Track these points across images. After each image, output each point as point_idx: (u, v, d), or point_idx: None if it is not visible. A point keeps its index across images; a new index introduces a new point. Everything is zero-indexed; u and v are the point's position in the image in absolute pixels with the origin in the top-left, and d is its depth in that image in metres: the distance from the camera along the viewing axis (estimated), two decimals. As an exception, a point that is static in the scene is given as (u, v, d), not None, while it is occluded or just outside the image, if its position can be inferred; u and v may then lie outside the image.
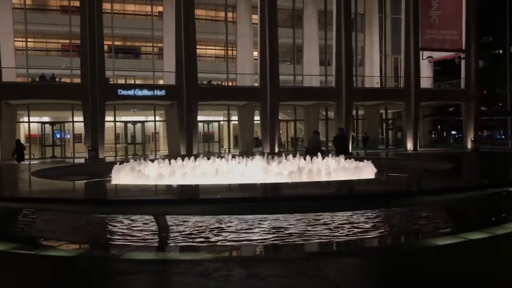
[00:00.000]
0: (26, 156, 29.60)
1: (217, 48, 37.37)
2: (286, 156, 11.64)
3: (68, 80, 30.04)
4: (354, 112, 34.13)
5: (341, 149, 15.64)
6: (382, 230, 7.01)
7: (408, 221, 7.69)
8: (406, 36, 32.76)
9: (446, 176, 9.70)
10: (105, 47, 28.17)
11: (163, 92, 28.27)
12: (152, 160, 10.95)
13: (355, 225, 7.12)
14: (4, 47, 25.67)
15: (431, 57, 35.83)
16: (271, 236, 6.51)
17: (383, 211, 7.99)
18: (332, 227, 6.94)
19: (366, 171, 9.66)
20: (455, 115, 40.74)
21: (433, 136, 40.28)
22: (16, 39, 28.78)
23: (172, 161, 10.82)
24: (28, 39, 29.81)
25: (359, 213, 7.73)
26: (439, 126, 43.33)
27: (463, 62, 34.46)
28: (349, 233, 6.65)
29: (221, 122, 35.84)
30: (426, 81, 35.36)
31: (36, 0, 33.82)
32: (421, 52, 33.50)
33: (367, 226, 7.14)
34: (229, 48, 33.75)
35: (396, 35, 35.76)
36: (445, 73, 38.86)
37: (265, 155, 12.06)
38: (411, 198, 7.21)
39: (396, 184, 8.79)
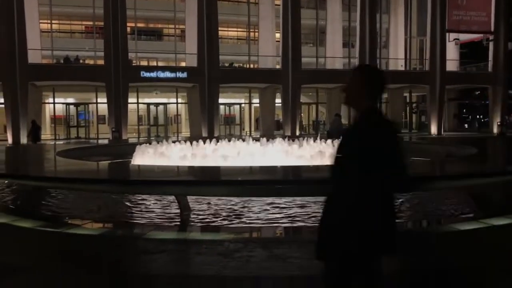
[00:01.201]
0: (51, 137, 30.38)
1: (239, 30, 37.12)
2: (307, 139, 11.59)
3: (91, 62, 30.33)
4: (377, 95, 33.58)
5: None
6: (403, 215, 6.95)
7: (430, 205, 7.62)
8: (432, 18, 31.93)
9: (470, 161, 9.54)
10: (128, 29, 28.25)
11: (185, 74, 28.32)
12: (174, 142, 11.05)
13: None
14: (29, 29, 25.99)
15: (457, 39, 34.91)
16: (291, 218, 6.53)
17: (405, 195, 7.91)
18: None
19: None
20: (481, 98, 39.76)
21: (459, 119, 39.42)
22: (41, 21, 29.12)
23: (194, 143, 10.90)
24: (53, 21, 30.11)
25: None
26: (464, 110, 42.38)
27: (491, 44, 33.47)
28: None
29: (242, 105, 35.79)
30: (452, 64, 34.53)
31: (60, -18, 34.06)
32: (447, 34, 32.65)
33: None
34: (251, 30, 33.48)
35: (422, 17, 34.85)
36: (472, 55, 37.82)
37: (286, 138, 12.05)
38: (433, 183, 7.12)
39: (418, 168, 8.67)
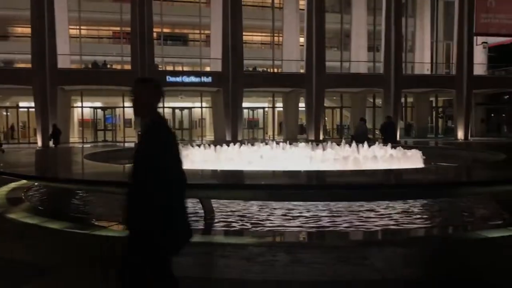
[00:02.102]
0: (79, 140, 31.02)
1: (263, 34, 37.25)
2: (331, 143, 11.55)
3: (118, 67, 30.88)
4: (402, 100, 33.24)
5: (389, 138, 15.34)
6: (430, 220, 6.86)
7: (457, 211, 7.50)
8: (460, 21, 31.40)
9: (497, 167, 9.34)
10: (154, 34, 28.70)
11: (209, 79, 28.56)
12: (199, 145, 11.16)
13: (402, 214, 7.00)
14: (59, 34, 26.65)
15: (486, 42, 34.25)
16: (315, 223, 6.52)
17: (431, 201, 7.81)
18: (376, 216, 6.86)
19: (414, 160, 9.46)
20: (510, 103, 38.83)
21: (486, 124, 38.55)
22: (70, 27, 29.84)
23: (218, 146, 10.99)
24: (82, 27, 30.82)
25: (406, 203, 7.60)
26: (492, 115, 41.43)
27: (521, 47, 32.77)
28: (396, 222, 6.55)
29: (266, 109, 35.86)
30: (479, 68, 33.86)
31: (89, -12, 34.87)
32: (475, 37, 32.07)
33: (415, 215, 7.01)
34: (275, 34, 33.58)
35: (449, 20, 34.34)
36: (501, 59, 36.98)
37: (310, 142, 12.02)
38: (460, 188, 7.01)
39: (445, 173, 8.55)
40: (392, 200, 7.43)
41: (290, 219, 6.67)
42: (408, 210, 7.26)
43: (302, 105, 31.40)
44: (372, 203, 7.40)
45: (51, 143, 22.91)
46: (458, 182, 7.22)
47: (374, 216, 6.87)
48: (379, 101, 33.13)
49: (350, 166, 8.61)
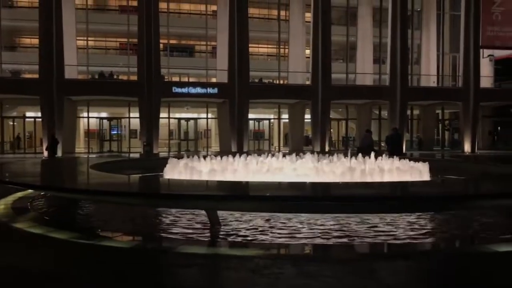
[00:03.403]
0: (85, 150, 31.12)
1: (269, 46, 37.43)
2: (337, 155, 11.50)
3: (125, 78, 31.06)
4: (408, 112, 33.19)
5: (394, 149, 15.27)
6: (439, 234, 6.78)
7: (466, 225, 7.40)
8: (466, 34, 31.43)
9: (506, 180, 9.25)
10: (161, 46, 28.89)
11: (215, 90, 28.65)
12: (205, 157, 11.15)
13: (410, 227, 6.92)
14: (67, 45, 26.87)
15: (492, 55, 34.21)
16: (321, 235, 6.45)
17: (439, 214, 7.72)
18: (382, 229, 6.78)
19: (421, 172, 9.39)
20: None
21: (494, 137, 38.35)
22: (78, 38, 30.11)
23: (224, 158, 10.97)
24: (89, 38, 31.09)
25: (413, 216, 7.52)
26: (499, 128, 41.20)
27: (527, 60, 32.68)
28: (403, 235, 6.47)
29: (272, 120, 35.90)
30: (486, 81, 33.78)
31: (97, 0, 35.22)
32: (481, 50, 32.05)
33: (424, 229, 6.92)
34: (281, 46, 33.73)
35: (455, 33, 34.37)
36: (507, 72, 36.88)
37: (315, 153, 11.98)
38: (468, 202, 6.93)
39: (452, 186, 8.47)
40: (399, 212, 7.35)
41: (296, 231, 6.61)
42: (415, 223, 7.17)
43: (307, 116, 31.40)
44: (379, 215, 7.32)
45: (45, 154, 22.95)
46: (467, 195, 7.14)
47: (380, 228, 6.79)
48: (384, 113, 33.07)
49: (356, 178, 8.55)
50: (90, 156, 25.38)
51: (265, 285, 4.35)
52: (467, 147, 31.42)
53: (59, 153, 25.33)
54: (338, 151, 15.05)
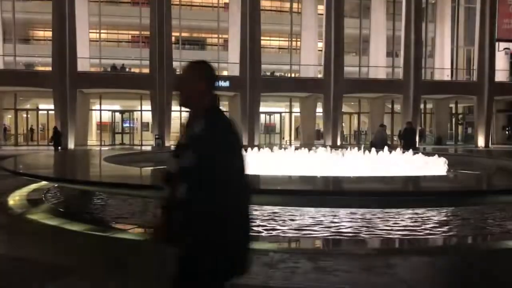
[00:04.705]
0: (97, 143, 31.31)
1: (281, 39, 37.22)
2: (351, 149, 11.40)
3: (137, 70, 31.13)
4: (422, 106, 32.85)
5: (408, 144, 15.11)
6: (455, 229, 6.68)
7: (480, 220, 7.29)
8: (481, 27, 30.93)
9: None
10: (173, 38, 28.85)
11: (227, 83, 28.57)
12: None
13: (425, 222, 6.84)
14: (79, 38, 26.96)
15: (508, 48, 33.63)
16: (335, 230, 6.39)
17: (455, 209, 7.62)
18: (398, 224, 6.71)
19: (436, 167, 9.27)
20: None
21: (507, 132, 37.85)
22: (90, 30, 30.20)
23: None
24: (102, 31, 31.17)
25: (428, 211, 7.43)
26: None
27: (544, 53, 32.13)
28: (420, 231, 6.39)
29: (283, 114, 35.76)
30: (501, 74, 33.29)
31: (109, -7, 35.28)
32: (497, 43, 31.56)
33: (440, 224, 6.84)
34: (293, 39, 33.52)
35: (470, 26, 33.87)
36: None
37: (328, 147, 11.89)
38: (484, 197, 6.83)
39: (468, 181, 8.36)
40: (413, 207, 7.26)
41: (313, 225, 6.56)
42: (431, 218, 7.08)
43: (319, 110, 31.23)
44: (393, 210, 7.24)
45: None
46: (483, 190, 7.03)
47: (397, 223, 6.71)
48: (397, 107, 32.78)
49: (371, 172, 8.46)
50: (102, 148, 25.53)
51: (281, 279, 4.31)
52: (480, 142, 31.04)
53: (71, 146, 25.53)
54: (350, 146, 14.94)
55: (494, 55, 31.27)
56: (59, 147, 22.16)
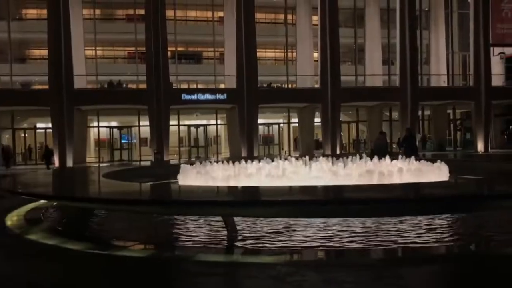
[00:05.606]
0: (96, 159, 31.15)
1: (277, 50, 37.33)
2: (351, 158, 11.29)
3: (134, 86, 31.13)
4: (419, 113, 32.85)
5: (409, 151, 15.01)
6: (463, 236, 6.56)
7: (486, 226, 7.16)
8: (475, 32, 31.09)
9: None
10: (169, 53, 28.90)
11: (224, 96, 28.59)
12: (217, 162, 11.01)
13: (429, 230, 6.71)
14: (75, 55, 26.99)
15: (503, 53, 33.76)
16: (338, 240, 6.26)
17: (461, 215, 7.49)
18: (402, 232, 6.58)
19: (439, 173, 9.17)
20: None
21: (505, 136, 37.81)
22: (86, 47, 30.24)
23: (236, 163, 10.82)
24: (97, 48, 31.21)
25: (434, 218, 7.30)
26: (511, 127, 40.61)
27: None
28: (427, 238, 6.26)
29: (281, 125, 35.72)
30: (497, 79, 33.38)
31: (104, 10, 35.35)
32: (491, 48, 31.69)
33: (448, 230, 6.71)
34: (289, 50, 33.60)
35: (464, 31, 34.05)
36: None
37: (330, 157, 11.77)
38: (491, 202, 6.70)
39: (474, 187, 8.24)
40: (417, 215, 7.14)
41: (317, 236, 6.43)
42: (433, 226, 6.96)
43: (317, 120, 31.21)
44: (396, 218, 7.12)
45: (56, 164, 22.70)
46: (490, 195, 6.91)
47: (401, 232, 6.59)
48: (395, 114, 32.77)
49: (374, 180, 8.35)
50: (101, 165, 25.39)
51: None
52: (480, 147, 31.02)
53: (70, 164, 25.40)
54: (350, 154, 14.82)
55: (489, 59, 31.38)
56: (50, 165, 21.96)
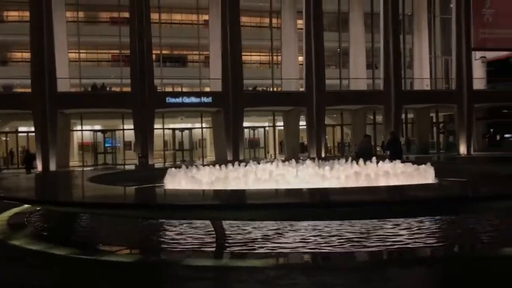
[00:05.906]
0: (79, 163, 30.77)
1: (262, 54, 37.41)
2: (338, 160, 11.33)
3: (118, 89, 30.85)
4: (403, 116, 33.21)
5: (394, 154, 15.12)
6: (452, 237, 6.62)
7: (472, 228, 7.24)
8: (458, 36, 31.59)
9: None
10: (153, 56, 28.74)
11: (209, 99, 28.52)
12: (203, 166, 10.95)
13: (420, 232, 6.77)
14: (58, 59, 26.65)
15: (484, 57, 34.39)
16: (329, 242, 6.27)
17: (448, 217, 7.57)
18: (391, 235, 6.62)
19: (425, 175, 9.26)
20: (510, 117, 38.80)
21: (486, 139, 38.46)
22: (69, 50, 29.90)
23: (223, 167, 10.78)
24: (81, 51, 30.89)
25: (422, 220, 7.37)
26: (491, 130, 41.34)
27: (519, 61, 32.91)
28: (416, 240, 6.30)
29: (267, 128, 35.76)
30: (478, 82, 33.94)
31: (88, 12, 35.01)
32: (473, 52, 32.22)
33: (438, 233, 6.77)
34: (274, 54, 33.70)
35: (446, 36, 34.57)
36: (499, 73, 37.12)
37: (316, 160, 11.79)
38: (478, 204, 6.78)
39: (461, 189, 8.34)
40: (405, 217, 7.19)
41: (306, 240, 6.43)
42: (421, 227, 7.01)
43: (302, 123, 31.32)
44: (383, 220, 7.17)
45: (39, 168, 22.27)
46: (478, 197, 6.99)
47: (388, 234, 6.63)
48: (379, 118, 33.06)
49: (361, 183, 8.39)
50: (84, 169, 25.07)
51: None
52: (462, 149, 31.47)
53: (53, 168, 25.04)
54: (335, 157, 14.88)
55: (471, 63, 31.90)
56: (32, 170, 21.69)
